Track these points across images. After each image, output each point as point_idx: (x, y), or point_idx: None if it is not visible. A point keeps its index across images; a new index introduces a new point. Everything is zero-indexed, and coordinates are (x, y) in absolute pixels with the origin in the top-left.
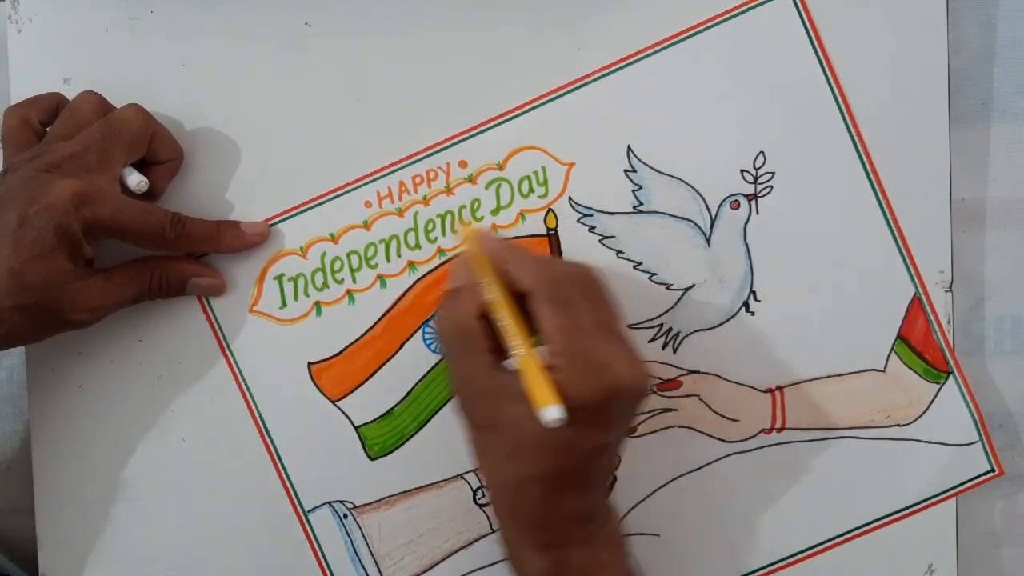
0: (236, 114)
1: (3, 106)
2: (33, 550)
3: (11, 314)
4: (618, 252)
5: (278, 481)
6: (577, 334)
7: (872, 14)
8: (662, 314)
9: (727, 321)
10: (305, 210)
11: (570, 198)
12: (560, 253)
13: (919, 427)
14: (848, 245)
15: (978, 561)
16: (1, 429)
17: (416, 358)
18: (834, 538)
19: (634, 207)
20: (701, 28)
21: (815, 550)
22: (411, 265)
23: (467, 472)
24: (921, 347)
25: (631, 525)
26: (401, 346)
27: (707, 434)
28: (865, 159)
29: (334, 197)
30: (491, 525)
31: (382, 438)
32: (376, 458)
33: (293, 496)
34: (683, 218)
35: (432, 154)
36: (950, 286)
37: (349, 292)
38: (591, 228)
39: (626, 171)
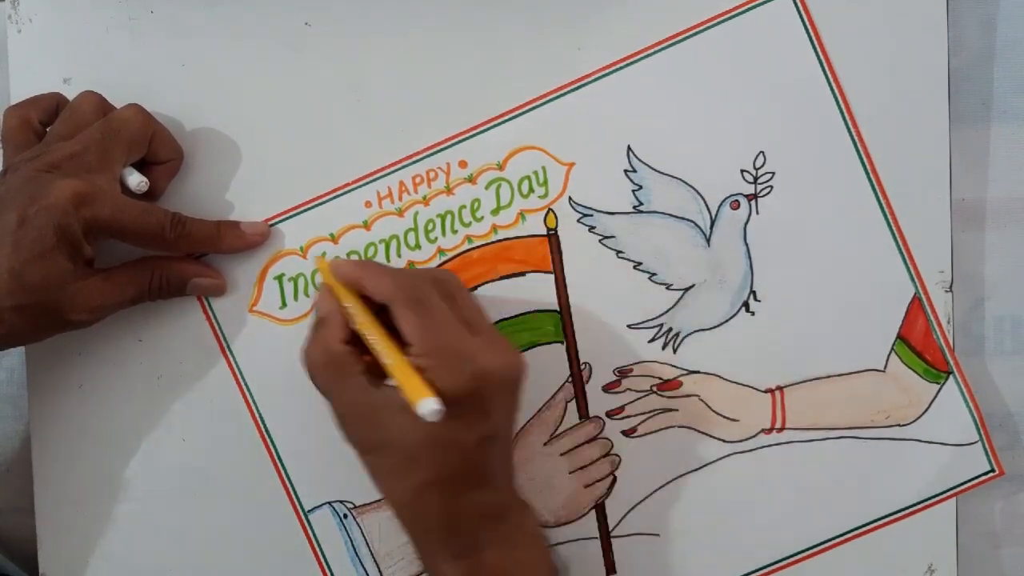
0: (236, 114)
1: (3, 106)
2: (33, 550)
3: (11, 314)
4: (618, 252)
5: (278, 481)
6: (437, 331)
7: (872, 14)
8: (662, 314)
9: (727, 321)
10: (305, 210)
11: (570, 198)
12: (560, 253)
13: (919, 427)
14: (848, 245)
15: (978, 561)
16: (1, 429)
17: None
18: (834, 538)
19: (634, 207)
20: (701, 28)
21: (815, 550)
22: (411, 265)
23: None
24: (921, 347)
25: (631, 525)
26: None
27: (707, 434)
28: (865, 159)
29: (334, 197)
30: None
31: None
32: None
33: (293, 496)
34: (683, 218)
35: (432, 154)
36: (950, 286)
37: None
38: (591, 228)
39: (626, 171)
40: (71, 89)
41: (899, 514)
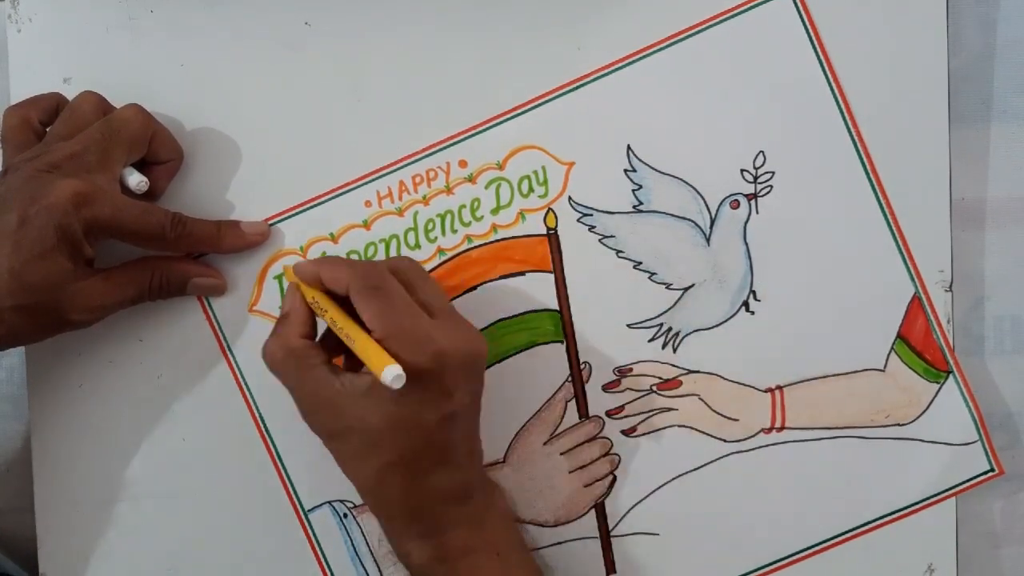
0: (236, 114)
1: (3, 106)
2: (33, 549)
3: (11, 314)
4: (618, 252)
5: (278, 481)
6: (395, 315)
7: (872, 14)
8: (662, 314)
9: (727, 321)
10: (305, 210)
11: (570, 198)
12: (560, 253)
13: (919, 427)
14: (848, 245)
15: (978, 561)
16: (1, 429)
17: None
18: (834, 538)
19: (634, 207)
20: (701, 28)
21: (815, 550)
22: None
23: None
24: (921, 347)
25: (631, 525)
26: None
27: (707, 434)
28: (865, 159)
29: (334, 197)
30: None
31: None
32: None
33: (293, 496)
34: (683, 218)
35: (432, 154)
36: (950, 286)
37: None
38: (591, 228)
39: (626, 171)
40: (71, 89)
41: (899, 514)
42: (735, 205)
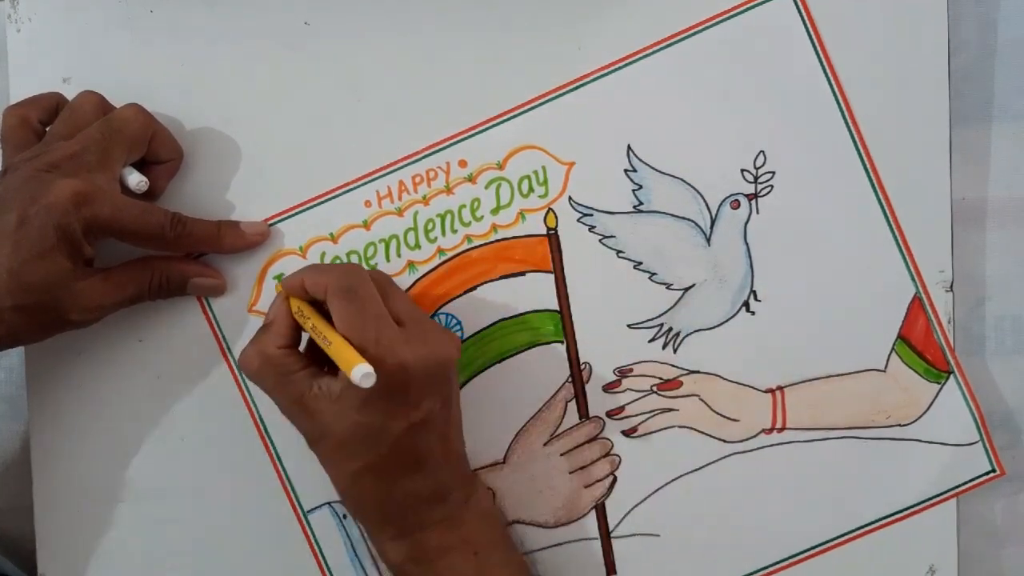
0: (236, 114)
1: (3, 106)
2: (32, 549)
3: (11, 314)
4: (618, 252)
5: (278, 481)
6: (363, 321)
7: (872, 14)
8: (662, 314)
9: (727, 321)
10: (305, 210)
11: (570, 198)
12: (560, 253)
13: (920, 427)
14: (848, 245)
15: (979, 561)
16: (1, 429)
17: None
18: (834, 538)
19: (634, 207)
20: (701, 28)
21: (815, 550)
22: (411, 265)
23: None
24: (922, 347)
25: (631, 525)
26: None
27: (707, 434)
28: (865, 159)
29: (334, 197)
30: None
31: None
32: None
33: (293, 496)
34: (683, 218)
35: (432, 154)
36: (951, 286)
37: None
38: (591, 228)
39: (626, 171)
40: (71, 89)
41: (900, 514)
42: (735, 205)
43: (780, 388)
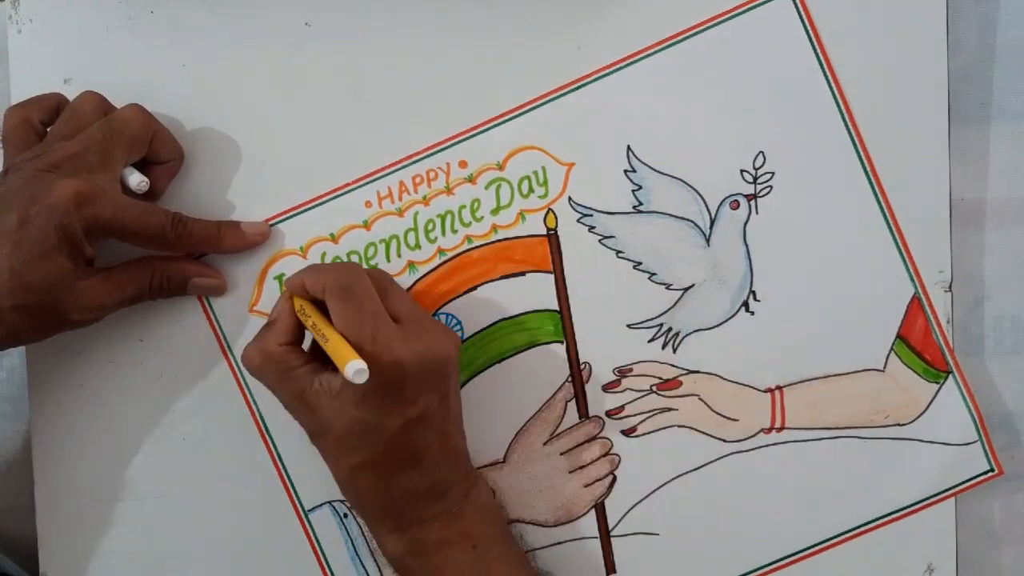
0: (236, 114)
1: (3, 106)
2: (33, 549)
3: (11, 314)
4: (618, 252)
5: (278, 480)
6: (359, 319)
7: (872, 14)
8: (662, 314)
9: (727, 321)
10: (305, 210)
11: (570, 198)
12: (560, 253)
13: (919, 427)
14: (848, 245)
15: (977, 561)
16: (1, 429)
17: None
18: (834, 538)
19: (634, 207)
20: (701, 28)
21: (815, 550)
22: (411, 265)
23: None
24: (921, 347)
25: (631, 525)
26: None
27: (707, 434)
28: (865, 159)
29: (334, 197)
30: None
31: None
32: None
33: (293, 496)
34: (683, 218)
35: (432, 154)
36: (950, 286)
37: None
38: (591, 228)
39: (626, 171)
40: (71, 89)
41: (898, 514)
42: (735, 205)
43: (779, 388)
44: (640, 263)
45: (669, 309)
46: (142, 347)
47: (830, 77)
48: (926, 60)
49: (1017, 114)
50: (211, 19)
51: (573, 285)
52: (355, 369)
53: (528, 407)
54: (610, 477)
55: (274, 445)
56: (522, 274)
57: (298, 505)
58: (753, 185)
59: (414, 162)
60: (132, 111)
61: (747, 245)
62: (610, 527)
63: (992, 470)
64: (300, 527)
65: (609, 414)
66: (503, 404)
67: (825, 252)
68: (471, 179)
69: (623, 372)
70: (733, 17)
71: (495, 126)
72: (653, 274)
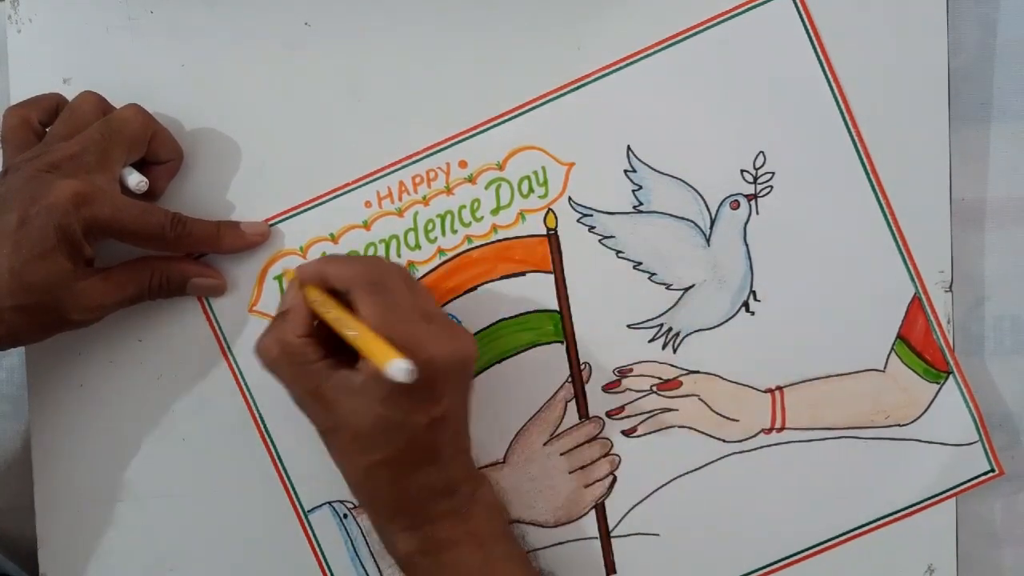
0: (236, 114)
1: (3, 106)
2: (33, 549)
3: (11, 314)
4: (618, 252)
5: (278, 481)
6: (394, 316)
7: (872, 14)
8: (662, 314)
9: (727, 321)
10: (305, 210)
11: (570, 198)
12: (560, 253)
13: (919, 427)
14: (848, 245)
15: (978, 561)
16: (1, 429)
17: None
18: (834, 538)
19: (634, 207)
20: (701, 28)
21: (815, 550)
22: (411, 265)
23: None
24: (921, 347)
25: (631, 525)
26: None
27: (707, 434)
28: (865, 159)
29: (334, 197)
30: None
31: None
32: None
33: (293, 496)
34: (683, 218)
35: (432, 154)
36: (950, 286)
37: None
38: (591, 228)
39: (626, 171)
40: (71, 89)
41: (899, 514)
42: (735, 205)
43: (779, 388)
44: (640, 263)
45: (669, 309)
46: (142, 347)
47: (830, 77)
48: (926, 60)
49: (1017, 114)
50: (211, 19)
51: (573, 285)
52: (401, 367)
53: (528, 407)
54: (610, 477)
55: (274, 445)
56: (522, 274)
57: (298, 505)
58: (753, 185)
59: (414, 162)
60: (131, 111)
61: (747, 245)
62: (610, 527)
63: (992, 470)
64: (300, 527)
65: (609, 414)
66: (503, 404)
67: (825, 252)
68: (471, 179)
69: (623, 372)
70: (733, 17)
71: (495, 126)
72: (653, 274)
